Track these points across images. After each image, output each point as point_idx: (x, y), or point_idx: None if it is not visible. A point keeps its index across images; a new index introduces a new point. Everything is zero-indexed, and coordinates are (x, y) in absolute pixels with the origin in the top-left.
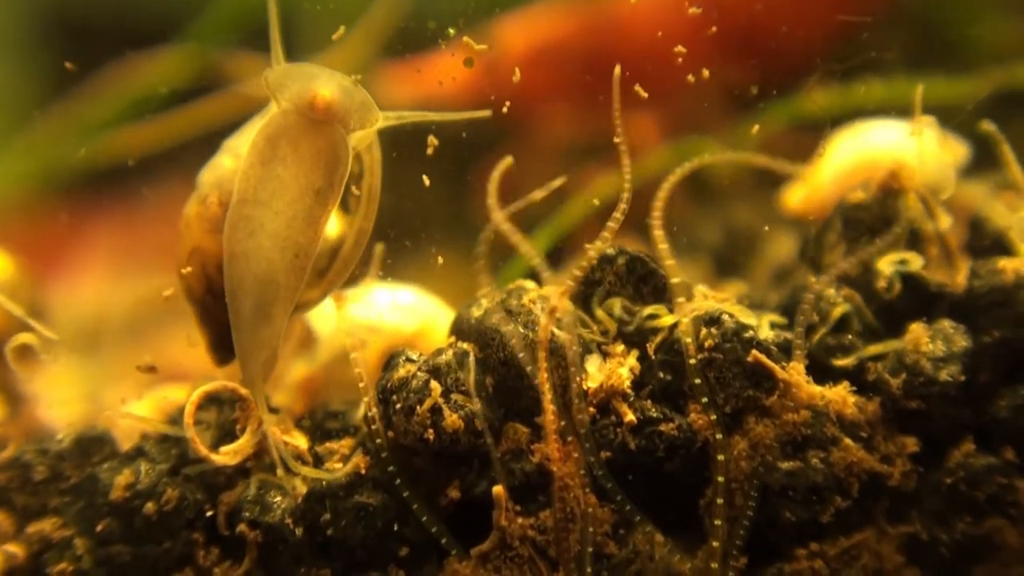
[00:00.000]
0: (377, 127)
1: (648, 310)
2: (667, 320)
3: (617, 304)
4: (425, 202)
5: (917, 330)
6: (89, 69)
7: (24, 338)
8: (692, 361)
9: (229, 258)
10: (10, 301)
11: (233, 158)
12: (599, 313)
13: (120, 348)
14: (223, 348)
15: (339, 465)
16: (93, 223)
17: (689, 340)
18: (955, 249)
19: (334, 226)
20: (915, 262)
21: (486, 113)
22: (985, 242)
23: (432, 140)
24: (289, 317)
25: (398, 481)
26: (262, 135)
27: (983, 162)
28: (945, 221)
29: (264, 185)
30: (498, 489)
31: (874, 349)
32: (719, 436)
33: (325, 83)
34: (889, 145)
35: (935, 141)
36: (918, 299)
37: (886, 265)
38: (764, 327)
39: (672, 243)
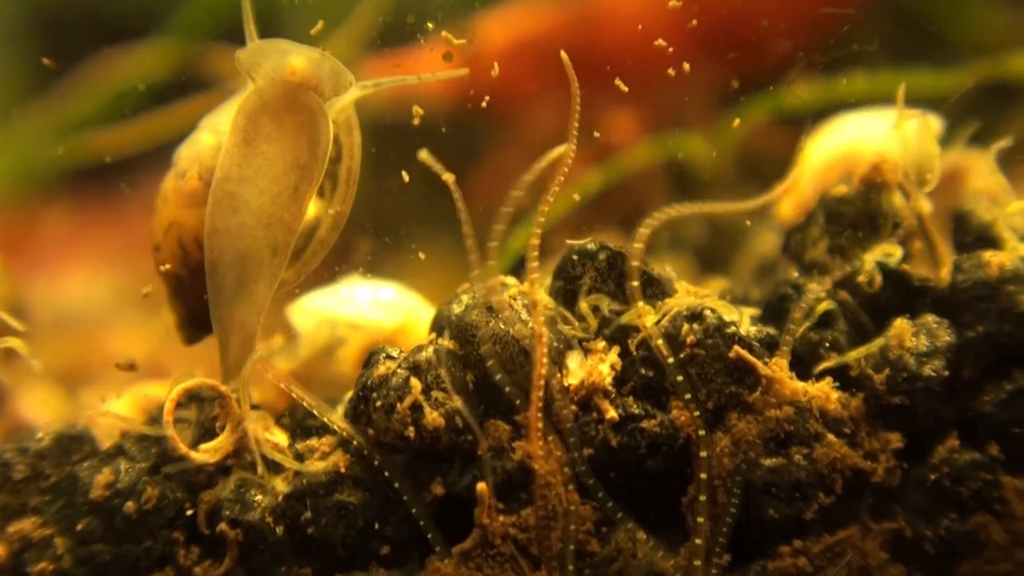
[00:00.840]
0: (353, 96)
1: (627, 315)
2: (650, 320)
3: (604, 301)
4: (406, 198)
5: (900, 325)
6: (67, 65)
7: (9, 342)
8: (670, 361)
9: (211, 233)
10: None
11: (212, 134)
12: (582, 308)
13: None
14: (194, 325)
15: (320, 464)
16: (74, 219)
17: (660, 342)
18: (939, 243)
19: (310, 208)
20: (896, 255)
21: (463, 72)
22: (969, 238)
23: (417, 109)
24: (264, 312)
25: (387, 474)
26: (242, 115)
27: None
28: (925, 206)
29: (249, 162)
30: (482, 486)
31: (855, 354)
32: (701, 433)
33: (296, 54)
34: (866, 136)
35: (913, 123)
36: (901, 294)
37: (869, 259)
38: (746, 322)
39: (655, 239)
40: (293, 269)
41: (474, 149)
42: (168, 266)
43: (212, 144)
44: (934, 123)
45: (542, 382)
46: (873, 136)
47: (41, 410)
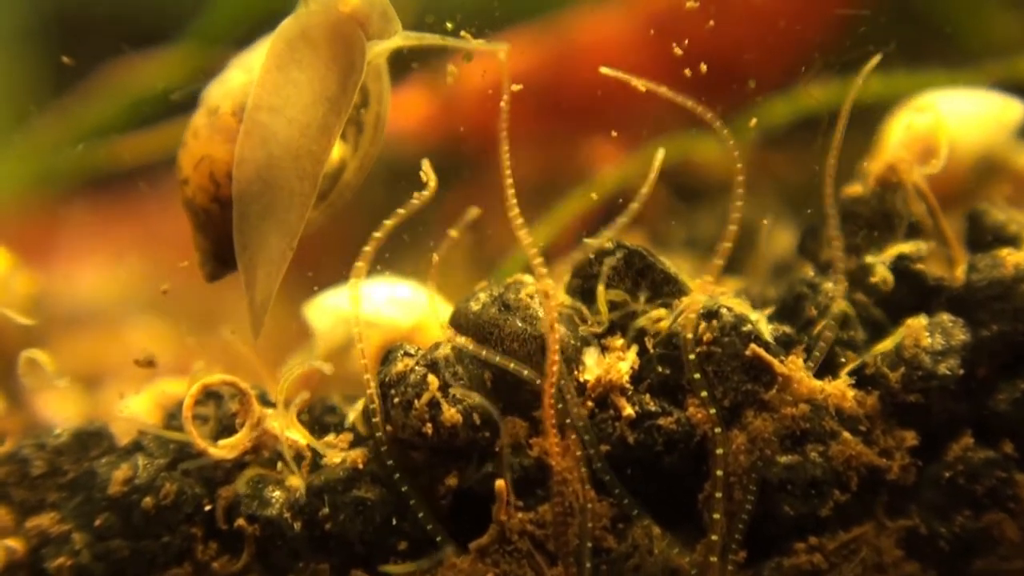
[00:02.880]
0: (396, 43)
1: (648, 316)
2: (664, 323)
3: (624, 298)
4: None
5: (915, 324)
6: (88, 67)
7: (33, 354)
8: (691, 356)
9: (239, 163)
10: None
11: (244, 72)
12: (599, 304)
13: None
14: (218, 260)
15: (338, 460)
16: (93, 219)
17: (689, 335)
18: (954, 242)
19: (336, 150)
20: (914, 255)
21: (504, 46)
22: (988, 237)
23: (452, 69)
24: (297, 240)
25: (397, 476)
26: (280, 38)
27: None
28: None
29: (279, 91)
30: (500, 483)
31: (877, 349)
32: (718, 430)
33: None
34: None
35: (993, 105)
36: (916, 293)
37: (884, 259)
38: (762, 321)
39: (670, 238)
40: (319, 210)
41: (453, 180)
42: (198, 201)
43: (244, 82)
44: (1016, 110)
45: (555, 378)
46: (952, 117)
47: (60, 408)
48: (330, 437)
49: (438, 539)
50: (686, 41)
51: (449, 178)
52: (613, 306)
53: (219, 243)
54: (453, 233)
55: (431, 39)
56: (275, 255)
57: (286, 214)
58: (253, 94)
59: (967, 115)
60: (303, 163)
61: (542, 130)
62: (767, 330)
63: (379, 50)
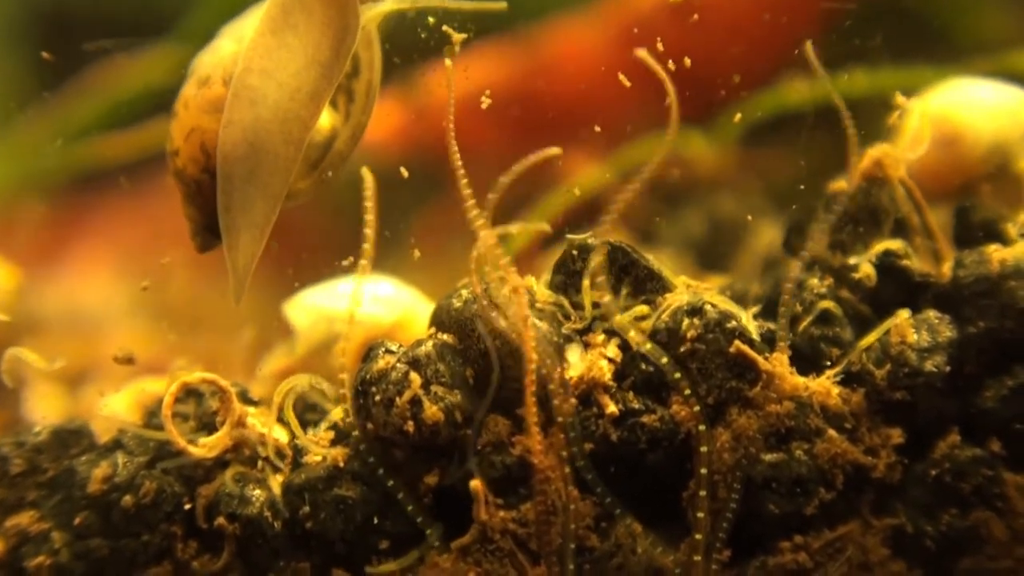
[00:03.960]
0: (390, 7)
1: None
2: (647, 322)
3: (607, 296)
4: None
5: (902, 316)
6: (74, 67)
7: (19, 352)
8: (663, 361)
9: (226, 124)
10: None
11: (234, 42)
12: (584, 300)
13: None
14: (210, 231)
15: (319, 458)
16: (80, 221)
17: (649, 346)
18: (940, 238)
19: (326, 119)
20: (902, 252)
21: (502, 5)
22: (975, 233)
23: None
24: (280, 204)
25: (381, 471)
26: (276, 2)
27: None
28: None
29: (271, 55)
30: (475, 483)
31: (862, 344)
32: (702, 428)
33: None
34: (959, 106)
35: (1012, 98)
36: (902, 289)
37: (870, 255)
38: (747, 318)
39: (656, 234)
40: (309, 179)
41: (426, 192)
42: (188, 173)
43: (234, 51)
44: None
45: (533, 376)
46: (967, 107)
47: (41, 407)
48: (311, 435)
49: (428, 532)
50: (660, 48)
51: (423, 189)
52: (596, 305)
53: (210, 214)
54: None
55: (425, 2)
56: (259, 218)
57: (271, 178)
58: (244, 57)
59: (985, 104)
60: (290, 127)
61: (517, 139)
62: (753, 327)
63: (373, 14)
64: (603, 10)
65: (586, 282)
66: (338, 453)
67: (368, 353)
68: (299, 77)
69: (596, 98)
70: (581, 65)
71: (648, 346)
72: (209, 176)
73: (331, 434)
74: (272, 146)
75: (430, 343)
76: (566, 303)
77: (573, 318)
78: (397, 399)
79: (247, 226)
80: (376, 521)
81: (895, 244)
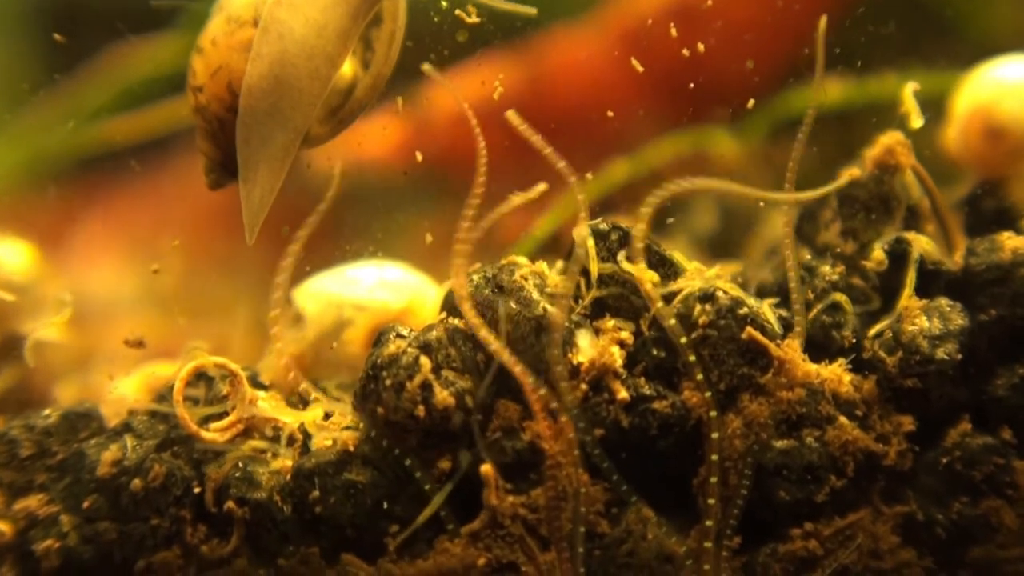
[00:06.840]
0: None
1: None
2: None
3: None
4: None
5: (912, 303)
6: (88, 52)
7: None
8: (682, 340)
9: (254, 58)
10: None
11: None
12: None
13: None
14: (224, 169)
15: (329, 443)
16: (93, 205)
17: (673, 322)
18: (953, 226)
19: (347, 67)
20: (911, 239)
21: (531, 11)
22: (987, 221)
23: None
24: (300, 141)
25: (397, 451)
26: None
27: None
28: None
29: None
30: (486, 468)
31: (874, 330)
32: (713, 414)
33: None
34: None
35: None
36: (915, 277)
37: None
38: (766, 308)
39: (666, 224)
40: (329, 126)
41: (430, 204)
42: (211, 110)
43: None
44: None
45: (533, 377)
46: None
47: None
48: (321, 420)
49: (442, 514)
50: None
51: (423, 202)
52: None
53: (228, 153)
54: None
55: None
56: (278, 152)
57: (293, 112)
58: None
59: None
60: (316, 63)
61: (519, 151)
62: (772, 317)
63: None
64: (604, 16)
65: (594, 267)
66: (348, 437)
67: (379, 338)
68: (327, 13)
69: (599, 106)
70: (583, 73)
71: (672, 321)
72: (233, 115)
73: (344, 419)
74: (297, 80)
75: (441, 328)
76: (582, 284)
77: (585, 303)
78: (408, 383)
79: (266, 159)
80: (386, 506)
81: (911, 234)
